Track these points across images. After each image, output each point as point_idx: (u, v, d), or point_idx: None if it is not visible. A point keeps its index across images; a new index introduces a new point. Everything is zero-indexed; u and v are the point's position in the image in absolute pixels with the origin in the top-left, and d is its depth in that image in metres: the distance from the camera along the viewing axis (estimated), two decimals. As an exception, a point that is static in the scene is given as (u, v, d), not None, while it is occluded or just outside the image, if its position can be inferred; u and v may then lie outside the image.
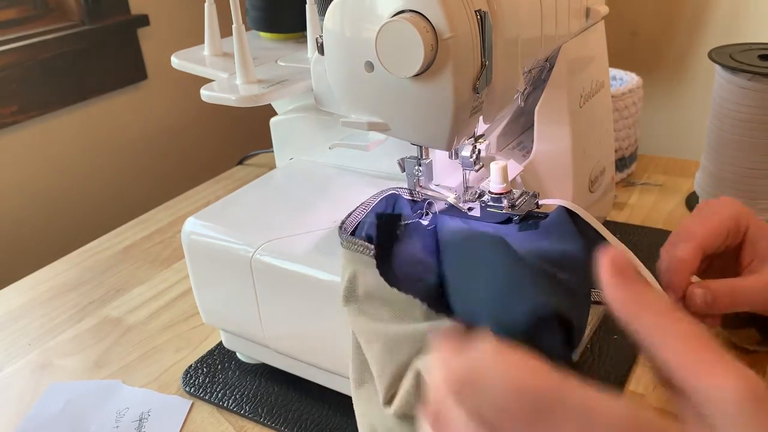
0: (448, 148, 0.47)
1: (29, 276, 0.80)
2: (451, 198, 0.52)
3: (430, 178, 0.53)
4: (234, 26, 0.55)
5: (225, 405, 0.56)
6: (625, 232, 0.76)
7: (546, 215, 0.47)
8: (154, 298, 0.73)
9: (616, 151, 0.86)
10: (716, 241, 0.47)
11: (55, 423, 0.56)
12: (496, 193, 0.48)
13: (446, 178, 0.55)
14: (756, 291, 0.46)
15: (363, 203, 0.48)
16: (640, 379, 0.53)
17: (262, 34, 0.73)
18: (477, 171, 0.51)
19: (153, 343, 0.66)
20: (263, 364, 0.60)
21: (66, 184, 1.23)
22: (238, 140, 1.55)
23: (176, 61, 0.65)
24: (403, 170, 0.54)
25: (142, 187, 1.37)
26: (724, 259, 0.50)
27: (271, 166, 0.67)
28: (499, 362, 0.27)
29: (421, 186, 0.54)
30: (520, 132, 0.64)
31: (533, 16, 0.50)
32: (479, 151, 0.51)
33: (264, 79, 0.56)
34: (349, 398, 0.43)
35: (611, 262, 0.30)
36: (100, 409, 0.57)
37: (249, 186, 0.61)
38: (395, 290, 0.39)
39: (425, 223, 0.48)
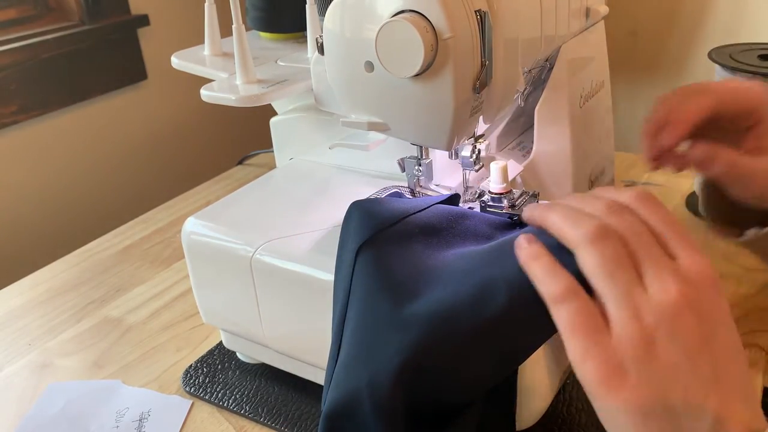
0: (448, 148, 0.47)
1: (29, 276, 0.79)
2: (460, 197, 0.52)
3: (430, 178, 0.53)
4: (234, 26, 0.55)
5: (225, 405, 0.56)
6: (625, 232, 0.76)
7: None
8: (154, 298, 0.73)
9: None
10: (732, 105, 0.45)
11: (55, 423, 0.56)
12: (496, 193, 0.48)
13: (446, 178, 0.55)
14: (757, 172, 0.44)
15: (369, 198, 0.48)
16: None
17: (262, 34, 0.73)
18: (477, 171, 0.51)
19: (153, 343, 0.66)
20: (263, 364, 0.60)
21: (66, 184, 1.23)
22: (238, 140, 1.55)
23: (176, 61, 0.65)
24: (403, 170, 0.54)
25: (142, 187, 1.37)
26: (721, 137, 0.48)
27: (271, 166, 0.67)
28: None
29: (421, 186, 0.54)
30: (520, 132, 0.64)
31: (533, 16, 0.50)
32: (479, 151, 0.51)
33: (264, 79, 0.56)
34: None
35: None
36: (100, 409, 0.57)
37: (249, 186, 0.61)
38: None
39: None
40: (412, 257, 0.42)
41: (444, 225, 0.45)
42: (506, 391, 0.41)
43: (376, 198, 0.48)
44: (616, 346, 0.35)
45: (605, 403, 0.34)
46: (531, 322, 0.38)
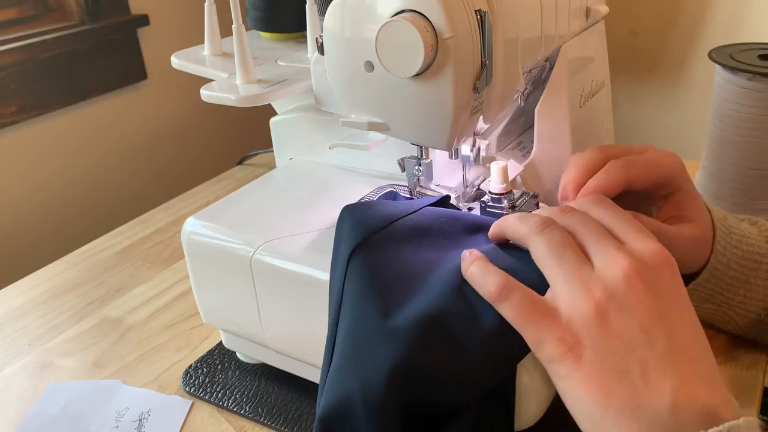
0: (448, 148, 0.47)
1: (29, 276, 0.79)
2: (451, 198, 0.52)
3: (430, 178, 0.53)
4: (234, 26, 0.55)
5: (225, 405, 0.56)
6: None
7: None
8: (154, 298, 0.73)
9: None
10: (646, 178, 0.45)
11: (55, 423, 0.56)
12: (496, 194, 0.48)
13: (446, 178, 0.55)
14: (677, 240, 0.45)
15: (361, 201, 0.48)
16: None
17: (262, 34, 0.73)
18: (477, 165, 0.51)
19: (153, 343, 0.66)
20: (263, 364, 0.60)
21: (66, 184, 1.23)
22: (238, 140, 1.55)
23: (176, 61, 0.65)
24: (403, 170, 0.54)
25: (142, 187, 1.37)
26: (636, 202, 0.48)
27: (271, 166, 0.67)
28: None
29: (421, 186, 0.54)
30: (520, 132, 0.64)
31: (533, 16, 0.50)
32: (479, 147, 0.51)
33: (264, 79, 0.56)
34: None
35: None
36: (100, 409, 0.57)
37: (249, 186, 0.61)
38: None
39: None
40: (402, 262, 0.42)
41: (434, 227, 0.45)
42: (504, 391, 0.40)
43: (368, 201, 0.48)
44: (568, 325, 0.35)
45: (567, 383, 0.35)
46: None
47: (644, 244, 0.36)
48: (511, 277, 0.38)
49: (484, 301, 0.38)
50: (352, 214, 0.45)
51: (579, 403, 0.35)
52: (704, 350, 0.35)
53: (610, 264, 0.36)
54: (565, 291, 0.36)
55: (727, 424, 0.31)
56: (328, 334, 0.43)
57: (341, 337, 0.42)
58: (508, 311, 0.37)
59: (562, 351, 0.35)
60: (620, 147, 0.47)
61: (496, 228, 0.42)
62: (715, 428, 0.31)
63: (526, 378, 0.41)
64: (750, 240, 0.50)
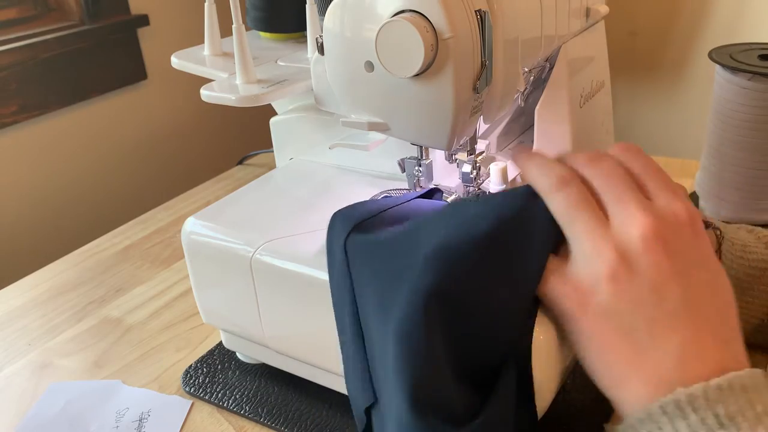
0: (449, 148, 0.47)
1: (29, 276, 0.80)
2: (450, 198, 0.52)
3: (430, 178, 0.54)
4: (234, 26, 0.55)
5: (225, 405, 0.56)
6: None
7: None
8: (154, 298, 0.73)
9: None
10: None
11: (55, 423, 0.56)
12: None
13: (446, 178, 0.55)
14: None
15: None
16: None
17: (262, 34, 0.73)
18: (476, 187, 0.51)
19: (153, 343, 0.66)
20: (263, 364, 0.60)
21: (66, 184, 1.23)
22: (238, 140, 1.55)
23: (176, 61, 0.65)
24: (403, 170, 0.54)
25: (142, 187, 1.37)
26: None
27: (271, 166, 0.67)
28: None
29: (421, 186, 0.54)
30: (520, 132, 0.64)
31: (533, 16, 0.50)
32: (479, 168, 0.51)
33: (264, 79, 0.56)
34: (348, 398, 0.43)
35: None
36: (100, 409, 0.57)
37: (249, 186, 0.61)
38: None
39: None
40: (392, 232, 0.42)
41: (415, 211, 0.46)
42: (525, 385, 0.39)
43: (355, 203, 0.48)
44: (577, 282, 0.36)
45: (575, 339, 0.36)
46: (523, 239, 0.38)
47: (668, 201, 0.36)
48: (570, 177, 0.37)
49: (482, 224, 0.38)
50: (340, 215, 0.46)
51: (586, 358, 0.36)
52: (721, 308, 0.35)
53: (627, 223, 0.35)
54: (577, 251, 0.36)
55: (729, 375, 0.31)
56: (346, 330, 0.43)
57: (373, 314, 0.40)
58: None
59: (570, 307, 0.36)
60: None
61: (517, 159, 0.41)
62: (716, 379, 0.31)
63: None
64: (751, 248, 0.50)
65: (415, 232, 0.41)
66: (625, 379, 0.34)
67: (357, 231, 0.43)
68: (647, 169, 0.38)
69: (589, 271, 0.35)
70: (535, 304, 0.39)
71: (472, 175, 0.50)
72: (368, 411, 0.41)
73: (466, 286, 0.37)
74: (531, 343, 0.39)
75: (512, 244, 0.38)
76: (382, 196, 0.54)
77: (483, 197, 0.41)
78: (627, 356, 0.34)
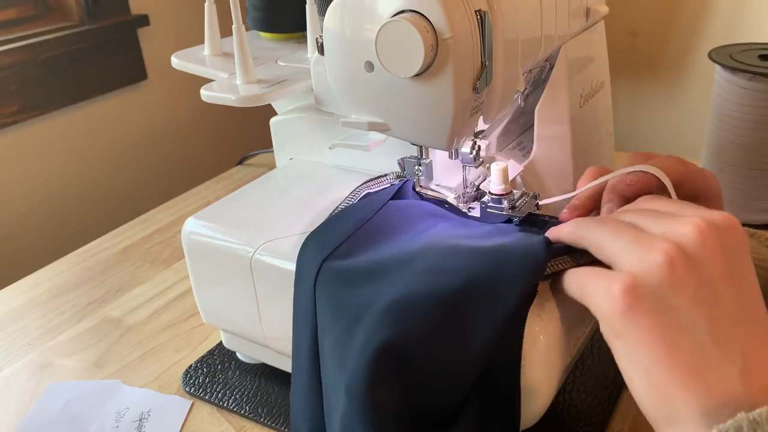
0: (449, 148, 0.47)
1: (29, 276, 0.80)
2: (451, 198, 0.52)
3: (430, 178, 0.54)
4: (234, 26, 0.55)
5: (225, 405, 0.56)
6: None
7: (547, 219, 0.47)
8: (154, 298, 0.73)
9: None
10: (697, 186, 0.43)
11: (55, 423, 0.56)
12: (496, 194, 0.48)
13: (446, 178, 0.55)
14: None
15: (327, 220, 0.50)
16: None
17: (262, 34, 0.73)
18: (477, 167, 0.51)
19: (153, 343, 0.66)
20: (263, 364, 0.60)
21: (66, 183, 1.23)
22: (238, 140, 1.55)
23: (176, 61, 0.65)
24: (403, 170, 0.54)
25: (142, 187, 1.37)
26: None
27: (271, 166, 0.67)
28: None
29: (421, 186, 0.54)
30: (520, 132, 0.64)
31: (533, 16, 0.50)
32: (479, 147, 0.51)
33: (264, 79, 0.56)
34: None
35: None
36: (100, 409, 0.57)
37: (249, 186, 0.61)
38: None
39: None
40: (364, 264, 0.43)
41: (390, 227, 0.47)
42: (508, 391, 0.40)
43: (326, 222, 0.49)
44: (629, 276, 0.33)
45: (624, 341, 0.33)
46: (487, 304, 0.38)
47: (713, 212, 0.35)
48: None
49: (454, 280, 0.38)
50: (314, 237, 0.46)
51: (638, 361, 0.32)
52: None
53: (676, 226, 0.34)
54: (626, 256, 0.34)
55: None
56: (301, 360, 0.45)
57: (327, 357, 0.42)
58: (571, 271, 0.37)
59: (622, 300, 0.33)
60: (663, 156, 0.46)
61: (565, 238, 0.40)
62: None
63: (528, 377, 0.41)
64: (755, 250, 0.50)
65: (381, 273, 0.41)
66: (685, 390, 0.31)
67: (331, 258, 0.44)
68: (678, 203, 0.37)
69: (642, 264, 0.33)
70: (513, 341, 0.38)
71: (471, 155, 0.50)
72: None
73: (420, 340, 0.38)
74: (519, 380, 0.39)
75: (474, 303, 0.38)
76: (362, 186, 0.55)
77: (461, 248, 0.41)
78: (688, 361, 0.31)
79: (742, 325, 0.32)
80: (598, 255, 0.36)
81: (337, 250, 0.44)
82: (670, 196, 0.40)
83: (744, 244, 0.34)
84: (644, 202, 0.39)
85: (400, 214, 0.49)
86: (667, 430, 0.32)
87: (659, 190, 0.42)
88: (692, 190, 0.43)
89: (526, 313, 0.39)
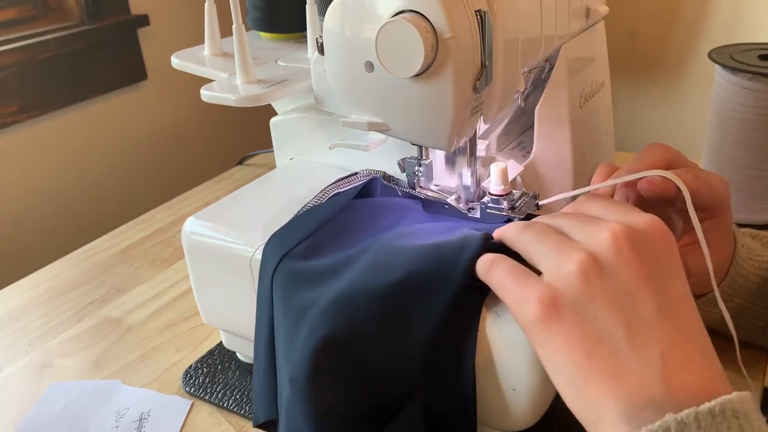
0: (449, 149, 0.47)
1: (29, 276, 0.80)
2: (450, 199, 0.52)
3: (430, 178, 0.54)
4: (234, 26, 0.55)
5: (225, 405, 0.56)
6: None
7: None
8: (154, 298, 0.73)
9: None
10: (703, 197, 0.44)
11: (55, 423, 0.56)
12: (496, 195, 0.48)
13: (446, 178, 0.55)
14: (702, 274, 0.43)
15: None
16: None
17: (262, 34, 0.73)
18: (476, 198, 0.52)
19: (153, 343, 0.66)
20: (263, 364, 0.60)
21: (66, 184, 1.23)
22: (238, 140, 1.55)
23: (176, 61, 0.65)
24: (403, 170, 0.54)
25: (142, 187, 1.37)
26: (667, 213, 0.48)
27: (271, 166, 0.67)
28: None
29: (421, 186, 0.54)
30: (520, 132, 0.64)
31: (533, 17, 0.50)
32: (479, 179, 0.51)
33: (264, 79, 0.56)
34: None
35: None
36: (100, 409, 0.57)
37: (249, 186, 0.61)
38: None
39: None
40: (316, 268, 0.45)
41: (349, 225, 0.49)
42: (456, 384, 0.41)
43: (290, 222, 0.51)
44: (548, 286, 0.34)
45: (547, 349, 0.34)
46: (426, 298, 0.39)
47: (638, 216, 0.35)
48: (497, 256, 0.38)
49: (392, 275, 0.40)
50: (275, 239, 0.49)
51: (560, 369, 0.33)
52: (699, 323, 0.33)
53: (594, 232, 0.34)
54: (546, 263, 0.35)
55: (720, 399, 0.29)
56: (260, 349, 0.47)
57: (281, 350, 0.44)
58: (495, 279, 0.37)
59: (541, 312, 0.34)
60: (679, 154, 0.47)
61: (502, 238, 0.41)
62: (708, 403, 0.29)
63: (528, 377, 0.41)
64: (757, 251, 0.50)
65: (331, 274, 0.43)
66: (605, 395, 0.32)
67: (289, 256, 0.46)
68: (611, 205, 0.38)
69: (558, 273, 0.34)
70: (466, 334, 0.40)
71: (472, 191, 0.51)
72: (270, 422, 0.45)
73: (362, 334, 0.39)
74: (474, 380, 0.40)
75: (413, 297, 0.39)
76: (332, 186, 0.55)
77: (401, 247, 0.43)
78: (606, 367, 0.32)
79: (660, 329, 0.32)
80: (527, 259, 0.38)
81: (296, 249, 0.46)
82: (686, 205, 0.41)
83: (667, 246, 0.35)
84: (581, 204, 0.39)
85: (363, 212, 0.50)
86: (595, 419, 0.32)
87: (673, 197, 0.42)
88: (702, 202, 0.44)
89: (478, 306, 0.40)
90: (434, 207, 0.52)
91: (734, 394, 0.30)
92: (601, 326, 0.33)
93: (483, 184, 0.52)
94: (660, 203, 0.44)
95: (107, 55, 1.25)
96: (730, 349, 0.48)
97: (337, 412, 0.39)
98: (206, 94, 0.55)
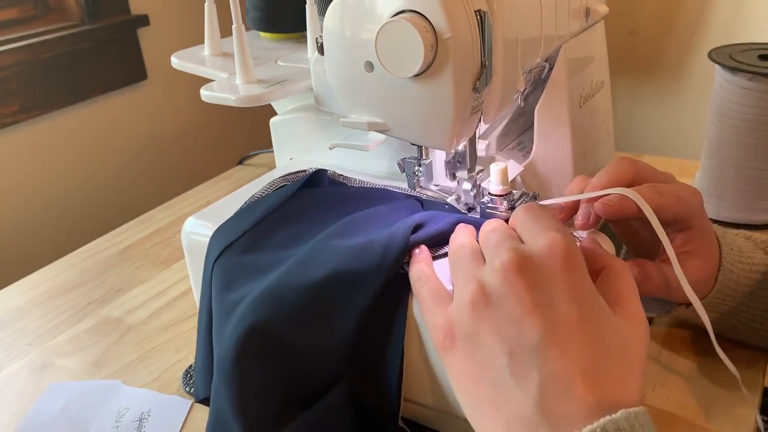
0: (449, 148, 0.47)
1: (29, 276, 0.79)
2: (450, 199, 0.52)
3: (430, 178, 0.54)
4: (234, 26, 0.55)
5: (225, 405, 0.56)
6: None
7: None
8: (154, 298, 0.73)
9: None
10: (672, 211, 0.44)
11: (55, 423, 0.56)
12: (496, 195, 0.48)
13: (446, 178, 0.55)
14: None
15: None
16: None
17: (262, 34, 0.73)
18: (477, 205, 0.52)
19: (153, 343, 0.66)
20: (263, 364, 0.59)
21: (66, 184, 1.23)
22: (238, 140, 1.55)
23: (176, 61, 0.65)
24: (403, 170, 0.54)
25: (142, 187, 1.37)
26: (644, 231, 0.49)
27: (271, 166, 0.67)
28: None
29: (421, 186, 0.54)
30: (520, 132, 0.64)
31: (533, 16, 0.50)
32: (480, 186, 0.51)
33: (264, 79, 0.57)
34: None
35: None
36: (100, 409, 0.57)
37: (249, 186, 0.61)
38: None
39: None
40: (251, 266, 0.47)
41: (291, 217, 0.51)
42: (381, 372, 0.43)
43: (234, 215, 0.53)
44: (448, 315, 0.37)
45: (449, 371, 0.36)
46: (350, 292, 0.42)
47: (539, 240, 0.36)
48: (430, 273, 0.41)
49: (317, 271, 0.42)
50: (217, 234, 0.51)
51: (458, 393, 0.36)
52: (599, 345, 0.33)
53: (492, 260, 0.36)
54: (454, 290, 0.38)
55: (602, 420, 0.29)
56: (200, 331, 0.50)
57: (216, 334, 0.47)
58: (418, 298, 0.40)
59: (441, 340, 0.36)
60: (648, 167, 0.47)
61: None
62: (588, 426, 0.29)
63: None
64: (749, 254, 0.50)
65: (263, 270, 0.46)
66: (491, 423, 0.33)
67: (229, 250, 0.49)
68: (528, 217, 0.39)
69: (457, 303, 0.36)
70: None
71: (472, 193, 0.51)
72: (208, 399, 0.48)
73: (287, 324, 0.42)
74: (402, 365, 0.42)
75: (338, 292, 0.42)
76: (279, 179, 0.57)
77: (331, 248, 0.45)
78: (490, 395, 0.33)
79: (541, 356, 0.32)
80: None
81: (238, 241, 0.49)
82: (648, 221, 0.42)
83: (563, 271, 0.34)
84: (514, 214, 0.41)
85: (309, 203, 0.53)
86: None
87: (636, 214, 0.43)
88: (670, 216, 0.44)
89: (405, 299, 0.42)
90: (434, 207, 0.52)
91: (620, 412, 0.30)
92: (488, 355, 0.34)
93: (483, 184, 0.52)
94: (631, 217, 0.44)
95: (107, 55, 1.25)
96: (731, 348, 0.48)
97: (259, 395, 0.41)
98: (206, 94, 0.55)
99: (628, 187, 0.44)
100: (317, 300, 0.42)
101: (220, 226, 0.52)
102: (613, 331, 0.34)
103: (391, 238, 0.43)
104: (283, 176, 0.57)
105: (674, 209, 0.44)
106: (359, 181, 0.56)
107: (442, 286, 0.40)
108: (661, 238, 0.41)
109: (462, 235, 0.42)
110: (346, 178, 0.57)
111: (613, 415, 0.30)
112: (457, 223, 0.46)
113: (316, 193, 0.54)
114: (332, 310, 0.42)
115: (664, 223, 0.43)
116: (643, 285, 0.46)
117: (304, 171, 0.57)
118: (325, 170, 0.56)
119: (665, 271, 0.46)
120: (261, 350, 0.41)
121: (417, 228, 0.45)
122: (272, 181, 0.56)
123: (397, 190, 0.54)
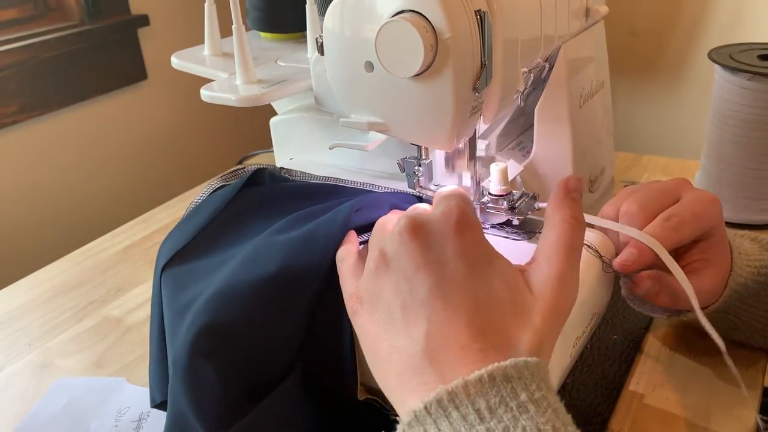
0: (449, 148, 0.47)
1: (29, 276, 0.79)
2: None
3: (430, 178, 0.54)
4: (234, 26, 0.55)
5: (225, 405, 0.56)
6: (625, 232, 0.76)
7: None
8: (154, 298, 0.73)
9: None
10: (693, 233, 0.46)
11: (57, 420, 0.56)
12: (496, 195, 0.48)
13: (446, 178, 0.55)
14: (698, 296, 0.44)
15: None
16: (639, 379, 0.53)
17: (262, 34, 0.73)
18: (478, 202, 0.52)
19: (153, 343, 0.66)
20: (263, 364, 0.59)
21: (66, 183, 1.23)
22: (238, 140, 1.55)
23: (176, 61, 0.65)
24: (403, 170, 0.54)
25: (142, 187, 1.37)
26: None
27: (271, 166, 0.67)
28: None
29: (421, 186, 0.54)
30: (520, 132, 0.64)
31: (533, 16, 0.50)
32: (480, 182, 0.51)
33: (264, 79, 0.57)
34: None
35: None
36: (102, 408, 0.57)
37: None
38: None
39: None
40: (200, 269, 0.49)
41: (235, 213, 0.53)
42: (335, 361, 0.44)
43: (181, 221, 0.56)
44: (356, 286, 0.39)
45: (358, 334, 0.39)
46: (300, 284, 0.43)
47: (437, 208, 0.38)
48: (352, 248, 0.43)
49: (269, 266, 0.44)
50: (164, 244, 0.54)
51: (366, 358, 0.38)
52: (481, 296, 0.35)
53: (393, 228, 0.39)
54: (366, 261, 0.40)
55: (490, 366, 0.31)
56: (153, 336, 0.50)
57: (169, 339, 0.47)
58: (339, 273, 0.42)
59: (351, 306, 0.39)
60: (650, 195, 0.48)
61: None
62: (476, 372, 0.31)
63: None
64: (756, 256, 0.50)
65: (210, 273, 0.47)
66: (387, 373, 0.35)
67: (175, 259, 0.51)
68: (444, 193, 0.41)
69: (365, 272, 0.39)
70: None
71: (472, 191, 0.51)
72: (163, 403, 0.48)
73: (239, 322, 0.43)
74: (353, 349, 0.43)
75: (287, 285, 0.43)
76: (217, 179, 0.58)
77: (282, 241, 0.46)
78: (386, 348, 0.35)
79: (430, 308, 0.35)
80: None
81: (185, 248, 0.51)
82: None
83: (460, 236, 0.37)
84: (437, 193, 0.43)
85: (253, 199, 0.54)
86: (394, 402, 0.35)
87: (654, 260, 0.44)
88: (690, 239, 0.46)
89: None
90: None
91: (509, 360, 0.31)
92: (386, 310, 0.37)
93: (483, 184, 0.52)
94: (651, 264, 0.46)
95: (107, 55, 1.26)
96: (732, 348, 0.48)
97: (215, 391, 0.42)
98: (206, 94, 0.55)
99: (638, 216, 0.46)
100: (268, 295, 0.43)
101: (167, 236, 0.54)
102: (505, 288, 0.36)
103: (332, 226, 0.45)
104: (221, 176, 0.58)
105: (694, 233, 0.46)
106: (301, 173, 0.57)
107: (360, 262, 0.42)
108: (674, 272, 0.43)
109: (386, 216, 0.44)
110: (289, 171, 0.58)
111: (501, 363, 0.31)
112: (393, 208, 0.48)
113: (257, 192, 0.55)
114: (284, 302, 0.43)
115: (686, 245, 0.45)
116: (654, 297, 0.47)
117: (243, 169, 0.58)
118: (265, 168, 0.57)
119: (678, 288, 0.46)
120: (213, 349, 0.42)
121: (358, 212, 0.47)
122: (209, 184, 0.57)
123: (343, 185, 0.55)
